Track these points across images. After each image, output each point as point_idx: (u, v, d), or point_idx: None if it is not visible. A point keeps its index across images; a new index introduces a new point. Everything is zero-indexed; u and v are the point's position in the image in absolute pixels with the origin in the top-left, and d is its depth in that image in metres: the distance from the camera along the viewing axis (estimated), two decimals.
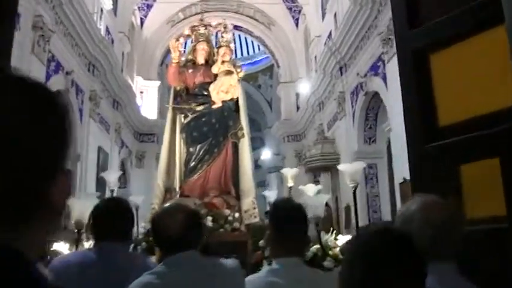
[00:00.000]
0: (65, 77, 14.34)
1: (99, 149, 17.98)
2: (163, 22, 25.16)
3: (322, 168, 19.11)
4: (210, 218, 5.72)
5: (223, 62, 6.95)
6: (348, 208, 16.88)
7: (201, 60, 7.24)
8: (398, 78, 10.03)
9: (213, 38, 8.12)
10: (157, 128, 20.97)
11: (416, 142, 3.05)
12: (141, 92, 24.87)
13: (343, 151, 17.69)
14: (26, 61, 11.63)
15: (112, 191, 6.54)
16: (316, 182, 22.81)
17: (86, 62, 16.29)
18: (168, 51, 25.82)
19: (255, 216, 6.21)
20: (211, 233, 5.51)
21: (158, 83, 24.30)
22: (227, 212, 6.01)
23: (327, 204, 19.47)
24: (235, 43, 32.14)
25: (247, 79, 32.50)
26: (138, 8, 23.59)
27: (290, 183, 6.71)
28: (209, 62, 7.27)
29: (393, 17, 2.87)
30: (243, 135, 6.69)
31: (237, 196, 6.54)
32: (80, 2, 14.16)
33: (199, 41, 7.26)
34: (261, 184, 32.67)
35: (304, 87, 23.13)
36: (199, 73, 7.05)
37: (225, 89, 6.70)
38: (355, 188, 5.48)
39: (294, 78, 25.77)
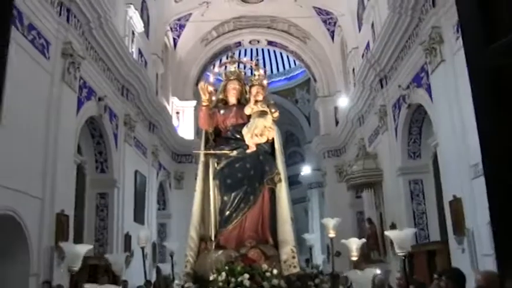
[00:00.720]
0: (97, 103, 14.08)
1: (136, 172, 17.70)
2: (197, 41, 25.00)
3: (365, 184, 18.41)
4: (246, 276, 5.21)
5: (256, 101, 6.47)
6: (393, 226, 16.13)
7: (232, 100, 6.78)
8: (445, 90, 9.33)
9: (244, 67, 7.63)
10: (195, 148, 20.59)
11: (498, 173, 2.46)
12: (177, 113, 24.75)
13: (386, 166, 17.01)
14: (57, 89, 11.40)
15: (143, 248, 6.08)
16: (358, 198, 22.27)
17: (118, 87, 16.05)
18: (203, 70, 25.84)
19: (295, 266, 5.66)
20: None
21: (194, 102, 24.04)
22: (265, 266, 5.44)
23: (370, 221, 18.96)
24: (270, 61, 32.36)
25: (284, 94, 32.38)
26: (171, 28, 23.40)
27: (332, 234, 6.26)
28: (241, 101, 6.79)
29: (463, 32, 2.28)
30: (280, 180, 6.14)
31: (275, 245, 6.03)
32: (110, 26, 13.91)
33: (230, 80, 6.81)
34: (301, 200, 32.30)
35: (343, 101, 22.57)
36: (231, 114, 6.59)
37: (259, 132, 6.25)
38: (405, 257, 4.89)
39: (332, 92, 25.32)
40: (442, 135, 11.84)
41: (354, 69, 21.15)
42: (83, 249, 4.57)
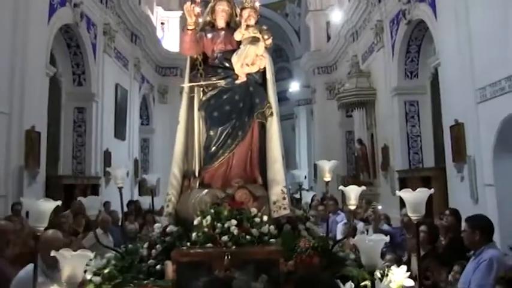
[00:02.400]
0: (72, 9, 12.92)
1: (117, 85, 16.78)
2: None
3: (357, 103, 17.65)
4: (234, 222, 4.70)
5: (247, 26, 5.70)
6: (385, 148, 15.57)
7: (221, 23, 5.99)
8: (452, 5, 8.21)
9: None
10: (180, 60, 19.51)
11: None
12: (162, 24, 23.54)
13: (380, 86, 16.23)
14: None
15: (120, 188, 5.40)
16: (349, 117, 21.64)
17: None
18: None
19: (285, 208, 5.16)
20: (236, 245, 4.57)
21: (180, 13, 22.66)
22: (254, 210, 4.92)
23: (361, 142, 18.37)
24: None
25: (273, 7, 31.03)
26: None
27: (328, 178, 5.49)
28: (231, 25, 6.02)
29: None
30: (271, 114, 5.54)
31: (264, 185, 5.48)
32: None
33: (219, 0, 6.00)
34: (289, 117, 31.70)
35: (336, 16, 21.44)
36: (220, 39, 5.87)
37: (250, 61, 5.58)
38: (418, 223, 4.19)
39: (324, 5, 24.20)
40: (445, 54, 10.95)
41: None
42: (49, 206, 3.76)
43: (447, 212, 6.85)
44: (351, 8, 18.57)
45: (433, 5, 11.57)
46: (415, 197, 4.08)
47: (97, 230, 6.74)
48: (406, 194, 4.11)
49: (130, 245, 5.23)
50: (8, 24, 9.89)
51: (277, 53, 34.28)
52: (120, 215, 8.53)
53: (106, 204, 12.70)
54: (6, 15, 9.86)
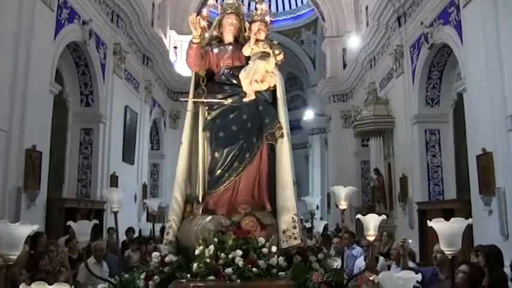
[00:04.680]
0: (81, 26, 12.49)
1: (126, 108, 16.30)
2: None
3: (374, 131, 17.04)
4: (239, 253, 4.35)
5: (257, 41, 5.36)
6: (404, 179, 14.89)
7: (228, 38, 5.66)
8: (480, 27, 7.55)
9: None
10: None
11: None
12: (175, 47, 23.26)
13: (399, 113, 15.63)
14: (28, 6, 9.84)
15: (116, 212, 4.95)
16: (364, 146, 21.03)
17: (107, 11, 14.40)
18: (204, 2, 24.09)
19: (295, 238, 4.85)
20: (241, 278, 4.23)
21: None
22: (261, 240, 4.57)
23: (377, 172, 17.69)
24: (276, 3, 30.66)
25: (289, 34, 30.78)
26: None
27: (343, 206, 5.22)
28: (239, 40, 5.69)
29: None
30: (282, 135, 5.20)
31: (273, 212, 5.14)
32: None
33: (227, 14, 5.66)
34: (302, 146, 31.27)
35: (353, 42, 21.00)
36: (227, 55, 5.53)
37: (260, 78, 5.25)
38: (453, 257, 3.70)
39: (341, 32, 23.86)
40: (472, 79, 10.33)
41: (366, 7, 19.55)
42: (24, 231, 3.21)
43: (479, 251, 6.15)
44: (368, 34, 18.10)
45: (458, 28, 11.02)
46: (450, 228, 3.57)
47: (89, 259, 6.17)
48: (440, 225, 3.60)
49: (126, 275, 4.80)
50: (10, 38, 9.41)
51: (292, 81, 34.08)
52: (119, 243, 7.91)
53: (110, 231, 12.12)
54: (8, 28, 9.39)
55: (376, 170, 17.64)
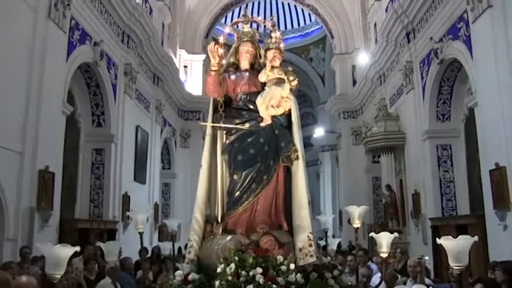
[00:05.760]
0: (92, 47, 12.62)
1: (137, 128, 16.37)
2: None
3: (385, 148, 17.00)
4: (259, 271, 4.50)
5: (272, 68, 5.61)
6: (416, 195, 14.83)
7: (245, 64, 5.95)
8: (491, 41, 7.63)
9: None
10: (203, 104, 19.23)
11: None
12: (185, 67, 23.35)
13: (410, 129, 15.59)
14: (41, 27, 9.98)
15: (141, 233, 5.52)
16: (375, 163, 20.97)
17: (118, 32, 14.53)
18: (214, 22, 24.30)
19: (311, 255, 4.99)
20: None
21: (203, 56, 22.53)
22: (280, 258, 4.72)
23: (389, 188, 17.62)
24: (284, 16, 30.73)
25: (298, 52, 30.91)
26: None
27: (357, 224, 5.55)
28: (255, 67, 5.99)
29: None
30: (297, 158, 5.38)
31: (289, 231, 5.32)
32: None
33: (243, 41, 5.97)
34: (313, 163, 31.23)
35: (363, 58, 21.02)
36: (244, 81, 5.79)
37: (276, 103, 5.48)
38: (460, 272, 3.98)
39: (350, 49, 23.92)
40: (483, 94, 10.31)
41: (375, 24, 19.65)
42: (67, 252, 3.38)
43: (497, 266, 6.07)
44: (378, 50, 18.14)
45: (468, 43, 11.02)
46: (457, 245, 3.83)
47: (105, 279, 6.25)
48: (447, 242, 3.87)
49: None
50: (24, 60, 9.54)
51: (302, 99, 34.11)
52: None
53: (142, 252, 12.08)
54: (22, 50, 9.51)
55: (388, 187, 17.58)
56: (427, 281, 7.16)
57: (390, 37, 16.23)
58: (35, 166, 9.66)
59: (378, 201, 21.40)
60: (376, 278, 8.01)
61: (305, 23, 31.50)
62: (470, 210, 12.78)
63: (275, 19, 6.94)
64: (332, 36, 25.06)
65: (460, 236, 3.88)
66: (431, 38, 13.08)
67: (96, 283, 7.82)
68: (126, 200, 14.79)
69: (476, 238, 3.91)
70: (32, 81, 9.70)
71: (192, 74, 23.35)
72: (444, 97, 13.66)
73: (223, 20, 26.60)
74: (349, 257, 9.10)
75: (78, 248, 3.68)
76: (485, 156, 10.32)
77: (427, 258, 6.19)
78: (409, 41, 15.10)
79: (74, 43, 11.65)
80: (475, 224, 11.01)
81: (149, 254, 13.07)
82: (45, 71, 10.00)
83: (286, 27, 31.26)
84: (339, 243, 12.56)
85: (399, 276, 8.07)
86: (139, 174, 16.51)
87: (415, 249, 14.15)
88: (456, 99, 13.49)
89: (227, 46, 5.92)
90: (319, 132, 30.46)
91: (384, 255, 4.91)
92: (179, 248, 12.81)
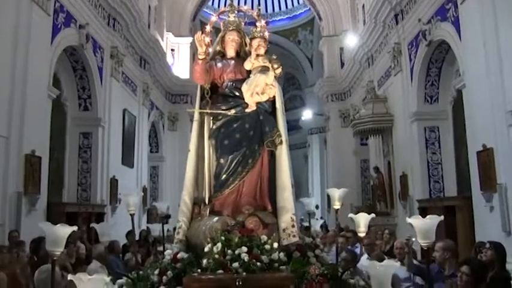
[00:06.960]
0: (77, 30, 12.47)
1: (125, 111, 16.27)
2: None
3: (373, 130, 17.02)
4: (245, 249, 4.73)
5: (257, 56, 5.85)
6: (404, 177, 14.88)
7: (231, 53, 6.16)
8: (479, 23, 7.64)
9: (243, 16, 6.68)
10: (190, 87, 19.18)
11: None
12: (172, 50, 23.22)
13: (398, 111, 15.62)
14: (25, 10, 9.82)
15: (132, 215, 5.54)
16: (364, 145, 21.03)
17: (104, 15, 14.38)
18: (200, 5, 24.12)
19: (294, 235, 5.26)
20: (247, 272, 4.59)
21: (190, 39, 22.38)
22: (264, 238, 4.98)
23: (377, 170, 17.67)
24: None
25: (285, 34, 30.78)
26: None
27: (337, 206, 5.80)
28: (240, 55, 6.20)
29: None
30: (281, 142, 5.61)
31: (274, 212, 5.57)
32: None
33: (229, 30, 6.17)
34: (301, 146, 31.24)
35: (351, 40, 20.96)
36: (230, 69, 6.02)
37: (260, 90, 5.71)
38: (428, 247, 4.29)
39: (338, 31, 23.86)
40: (471, 75, 10.32)
41: (363, 6, 19.55)
42: (66, 231, 3.85)
43: (487, 245, 6.07)
44: (366, 32, 18.10)
45: (456, 24, 11.01)
46: (424, 224, 4.10)
47: (93, 262, 6.39)
48: (416, 221, 4.13)
49: (141, 272, 5.25)
50: (8, 43, 9.41)
51: (290, 81, 34.08)
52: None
53: (129, 233, 12.06)
54: (6, 33, 9.37)
55: (376, 168, 17.63)
56: (415, 262, 7.19)
57: (378, 19, 16.20)
58: (21, 150, 9.59)
59: (366, 183, 21.52)
60: (364, 259, 8.06)
61: (293, 5, 31.35)
62: (458, 191, 12.87)
63: (262, 2, 7.00)
64: (320, 19, 25.02)
65: (427, 216, 4.15)
66: (419, 20, 13.06)
67: (75, 267, 7.79)
68: (114, 183, 14.76)
69: (442, 217, 4.15)
70: (17, 65, 9.59)
71: (180, 57, 23.23)
72: (432, 79, 13.67)
73: (210, 3, 26.46)
74: (340, 239, 9.19)
75: (75, 228, 3.93)
76: (473, 137, 10.37)
77: (414, 239, 6.20)
78: (397, 23, 15.07)
79: (59, 26, 11.50)
80: (462, 205, 11.08)
81: (137, 237, 13.07)
82: (29, 55, 9.89)
83: (274, 10, 31.14)
84: (322, 224, 12.87)
85: (386, 257, 8.11)
86: (127, 158, 16.46)
87: (402, 230, 14.20)
88: (444, 81, 13.51)
89: (216, 30, 6.10)
90: (307, 114, 30.42)
91: (362, 235, 5.22)
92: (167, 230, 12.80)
